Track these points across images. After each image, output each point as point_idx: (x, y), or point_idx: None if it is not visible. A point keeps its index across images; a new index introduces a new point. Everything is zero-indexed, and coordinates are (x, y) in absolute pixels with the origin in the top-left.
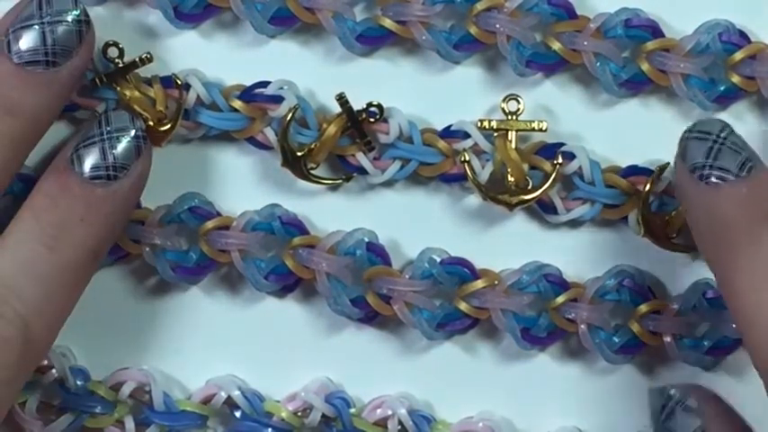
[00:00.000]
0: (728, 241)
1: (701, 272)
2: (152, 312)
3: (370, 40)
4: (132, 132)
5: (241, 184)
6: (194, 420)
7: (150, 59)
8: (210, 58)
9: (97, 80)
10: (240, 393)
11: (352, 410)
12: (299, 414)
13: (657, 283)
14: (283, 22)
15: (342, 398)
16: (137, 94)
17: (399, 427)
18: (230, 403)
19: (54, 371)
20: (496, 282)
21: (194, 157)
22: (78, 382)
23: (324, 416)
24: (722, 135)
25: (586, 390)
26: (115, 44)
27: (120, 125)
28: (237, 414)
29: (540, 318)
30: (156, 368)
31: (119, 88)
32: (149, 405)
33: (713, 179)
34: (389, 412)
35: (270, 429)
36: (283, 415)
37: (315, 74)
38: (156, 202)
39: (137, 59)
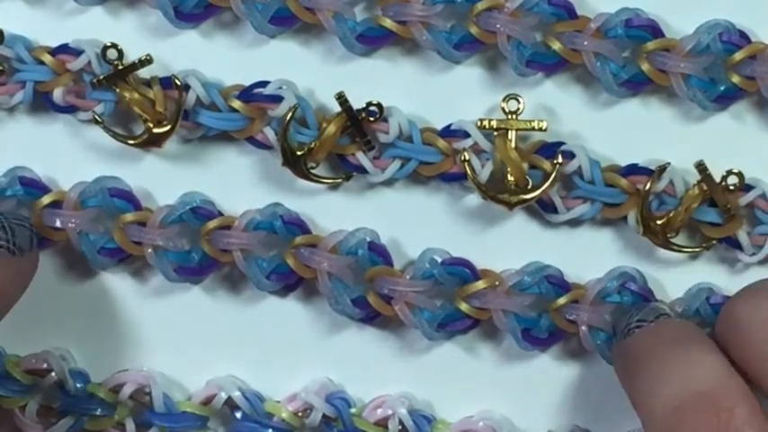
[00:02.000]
0: (641, 363)
1: (701, 272)
2: (154, 313)
3: (370, 40)
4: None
5: (241, 184)
6: (195, 421)
7: (150, 61)
8: (210, 58)
9: (96, 82)
10: (240, 394)
11: (353, 410)
12: (300, 414)
13: (657, 283)
14: (283, 22)
15: (342, 398)
16: (136, 95)
17: (400, 426)
18: (231, 404)
19: (53, 374)
20: (497, 282)
21: (194, 158)
22: (78, 385)
23: (324, 416)
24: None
25: (587, 390)
26: (114, 46)
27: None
28: (238, 415)
29: (541, 319)
30: (157, 369)
31: (118, 90)
32: (150, 407)
33: (633, 330)
34: (390, 412)
35: (270, 430)
36: (284, 415)
37: (315, 74)
38: (157, 203)
39: (136, 61)
